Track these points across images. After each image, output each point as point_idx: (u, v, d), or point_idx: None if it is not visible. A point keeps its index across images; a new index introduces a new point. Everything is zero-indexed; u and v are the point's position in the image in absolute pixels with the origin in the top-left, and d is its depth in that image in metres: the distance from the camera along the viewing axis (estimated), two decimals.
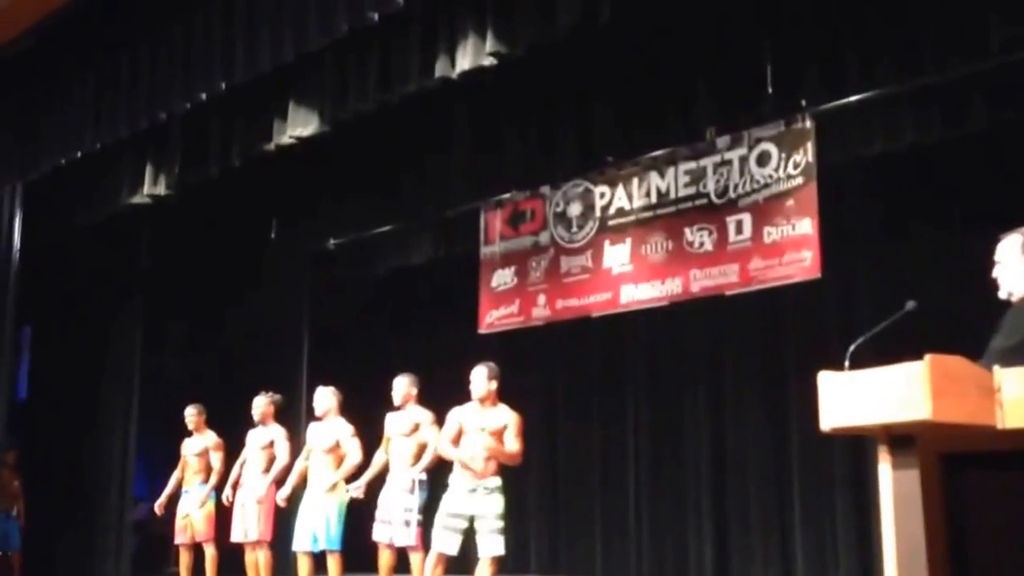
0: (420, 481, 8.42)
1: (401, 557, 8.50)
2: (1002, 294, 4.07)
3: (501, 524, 7.51)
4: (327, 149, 9.52)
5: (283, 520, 9.55)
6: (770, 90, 8.42)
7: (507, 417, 7.68)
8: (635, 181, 9.69)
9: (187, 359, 14.11)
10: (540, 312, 10.28)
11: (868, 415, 3.44)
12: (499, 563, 7.55)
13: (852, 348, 3.79)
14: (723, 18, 8.50)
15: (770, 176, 8.71)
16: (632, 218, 9.68)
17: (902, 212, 9.09)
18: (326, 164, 10.63)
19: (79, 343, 12.11)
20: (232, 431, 10.07)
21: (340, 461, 8.93)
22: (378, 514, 8.56)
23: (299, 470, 9.15)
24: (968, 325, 4.25)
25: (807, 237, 8.42)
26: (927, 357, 3.35)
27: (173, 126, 9.23)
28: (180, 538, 10.17)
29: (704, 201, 9.16)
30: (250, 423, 9.77)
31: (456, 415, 7.79)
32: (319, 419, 9.16)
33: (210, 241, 12.18)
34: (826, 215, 8.41)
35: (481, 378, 7.70)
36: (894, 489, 3.49)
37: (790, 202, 8.56)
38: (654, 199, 9.53)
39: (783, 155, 8.64)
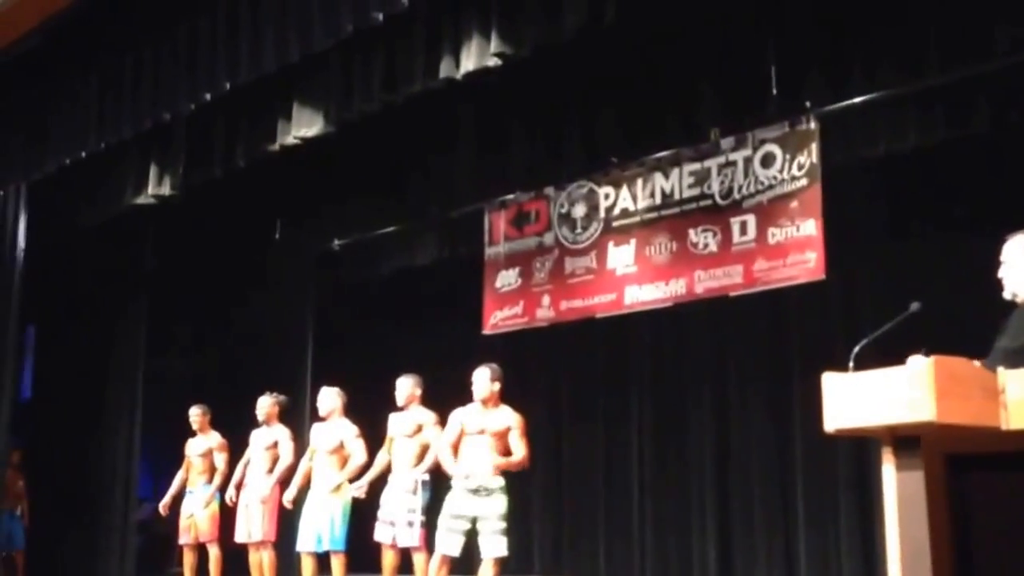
0: (423, 482, 8.44)
1: (405, 557, 8.51)
2: (1007, 295, 4.07)
3: (504, 525, 7.52)
4: (331, 150, 9.51)
5: (287, 520, 9.57)
6: (774, 91, 8.41)
7: (510, 419, 7.69)
8: (639, 182, 9.68)
9: (191, 359, 14.12)
10: (544, 313, 10.27)
11: (872, 416, 3.44)
12: (502, 564, 7.56)
13: (856, 349, 3.79)
14: (727, 19, 8.50)
15: (774, 177, 8.70)
16: (636, 219, 9.67)
17: (906, 213, 9.08)
18: (330, 165, 10.63)
19: (83, 343, 12.11)
20: (236, 431, 10.09)
21: (344, 462, 8.95)
22: (380, 514, 8.58)
23: (303, 471, 9.16)
24: (972, 326, 4.25)
25: (811, 238, 8.41)
26: (931, 358, 3.35)
27: (177, 126, 9.22)
28: (184, 538, 10.18)
29: (708, 202, 9.15)
30: (254, 423, 9.78)
31: (458, 417, 7.80)
32: (323, 420, 9.17)
33: (214, 242, 12.18)
34: (830, 216, 8.40)
35: (483, 379, 7.71)
36: (898, 490, 3.49)
37: (794, 203, 8.55)
38: (658, 200, 9.52)
39: (787, 156, 8.63)
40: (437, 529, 7.65)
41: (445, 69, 7.49)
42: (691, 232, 9.22)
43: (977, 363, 3.75)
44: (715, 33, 8.62)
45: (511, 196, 10.62)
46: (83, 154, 9.40)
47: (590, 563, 10.98)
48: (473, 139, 10.20)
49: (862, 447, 8.69)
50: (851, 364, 3.68)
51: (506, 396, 7.84)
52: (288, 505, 9.16)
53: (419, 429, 8.53)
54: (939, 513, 3.44)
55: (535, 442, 8.17)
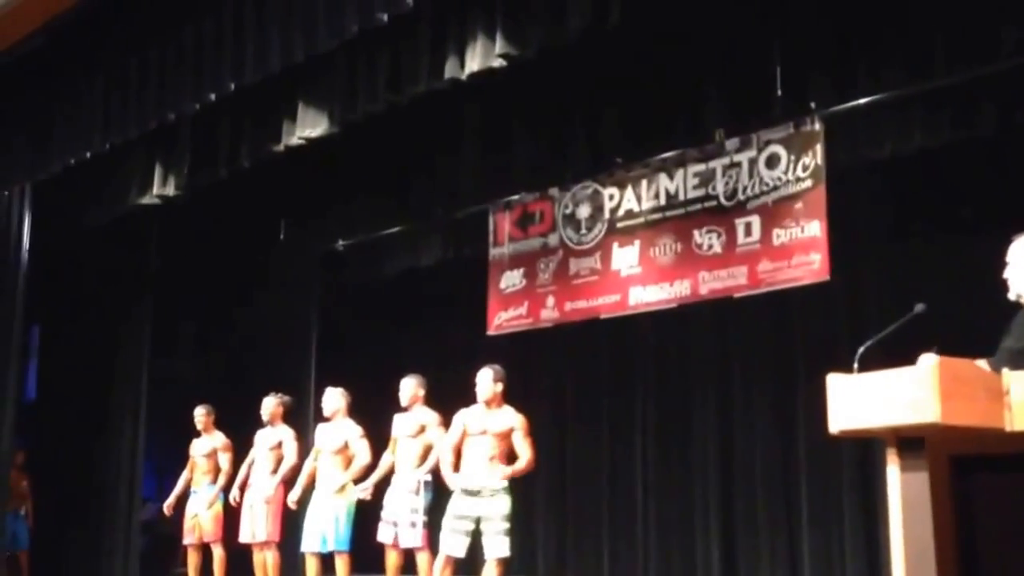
0: (425, 482, 8.45)
1: (408, 558, 8.51)
2: (1012, 295, 4.07)
3: (507, 526, 7.52)
4: (336, 150, 9.52)
5: (291, 521, 9.57)
6: (779, 92, 8.41)
7: (512, 419, 7.71)
8: (644, 183, 9.68)
9: (196, 360, 14.12)
10: (549, 314, 10.27)
11: (876, 417, 3.44)
12: (506, 565, 7.56)
13: (861, 351, 3.78)
14: (732, 20, 8.49)
15: (779, 178, 8.70)
16: (641, 220, 9.67)
17: (911, 215, 9.06)
18: (335, 165, 10.64)
19: (88, 344, 12.11)
20: (241, 432, 10.09)
21: (349, 462, 8.95)
22: (383, 515, 8.59)
23: (308, 471, 9.16)
24: (977, 328, 4.24)
25: (816, 239, 8.40)
26: (936, 359, 3.35)
27: (182, 127, 9.24)
28: (188, 538, 10.19)
29: (713, 203, 9.15)
30: (258, 424, 9.79)
31: (461, 418, 7.82)
32: (327, 420, 9.18)
33: (219, 242, 12.20)
34: (835, 218, 8.39)
35: (487, 380, 7.72)
36: (903, 492, 3.49)
37: (799, 204, 8.55)
38: (663, 201, 9.51)
39: (792, 157, 8.63)
40: (441, 530, 7.66)
41: (450, 70, 7.49)
42: (695, 233, 9.22)
43: (983, 361, 3.75)
44: (720, 34, 8.62)
45: (515, 197, 10.61)
46: (88, 154, 9.41)
47: (594, 564, 10.97)
48: (478, 140, 10.20)
49: (866, 448, 8.67)
50: (855, 365, 3.68)
51: (510, 397, 7.84)
52: (292, 506, 9.16)
53: (422, 430, 8.53)
54: (943, 514, 3.44)
55: (539, 443, 8.17)
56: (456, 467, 7.76)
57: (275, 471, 9.54)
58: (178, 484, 10.40)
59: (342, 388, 9.26)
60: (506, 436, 7.67)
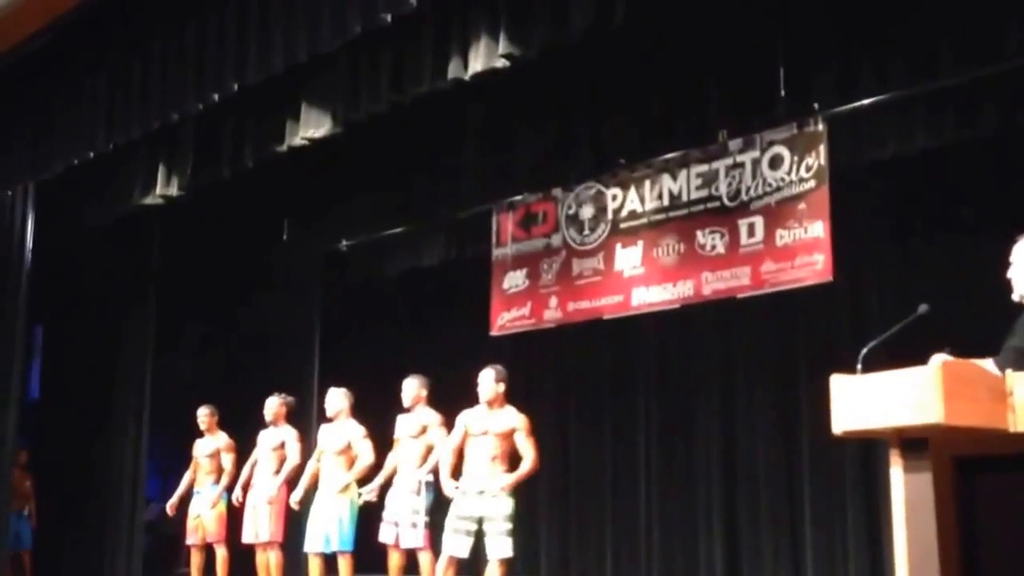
0: (426, 483, 8.44)
1: (411, 558, 8.52)
2: (1016, 296, 4.06)
3: (510, 526, 7.53)
4: (339, 150, 9.52)
5: (294, 521, 9.57)
6: (783, 93, 8.41)
7: (514, 420, 7.72)
8: (647, 183, 9.67)
9: (199, 360, 14.12)
10: (552, 314, 10.26)
11: (880, 418, 3.44)
12: (508, 565, 7.57)
13: (864, 351, 3.78)
14: (736, 20, 8.49)
15: (782, 179, 8.69)
16: (644, 220, 9.66)
17: (914, 215, 9.05)
18: (338, 165, 10.64)
19: (91, 343, 12.13)
20: (244, 432, 10.10)
21: (352, 463, 8.96)
22: (384, 515, 8.60)
23: (311, 472, 9.16)
24: (981, 328, 4.23)
25: (819, 240, 8.40)
26: (932, 359, 3.35)
27: (186, 126, 9.24)
28: (191, 539, 10.20)
29: (716, 204, 9.14)
30: (261, 424, 9.80)
31: (463, 419, 7.84)
32: (330, 420, 9.18)
33: (222, 242, 12.21)
34: (838, 218, 8.39)
35: (488, 381, 7.73)
36: (906, 492, 3.48)
37: (802, 205, 8.54)
38: (666, 201, 9.51)
39: (795, 158, 8.62)
40: (444, 530, 7.66)
41: (453, 70, 7.49)
42: (699, 234, 9.21)
43: (990, 360, 3.75)
44: (723, 34, 8.61)
45: (519, 197, 10.61)
46: (91, 154, 9.42)
47: (597, 564, 10.96)
48: (481, 140, 10.21)
49: (869, 449, 8.66)
50: (859, 366, 3.67)
51: (513, 397, 7.84)
52: (295, 506, 9.17)
53: (424, 430, 8.54)
54: (947, 515, 3.43)
55: (542, 443, 8.17)
56: (458, 469, 7.77)
57: (278, 471, 9.55)
58: (181, 484, 10.42)
59: (345, 388, 9.27)
60: (508, 436, 7.69)
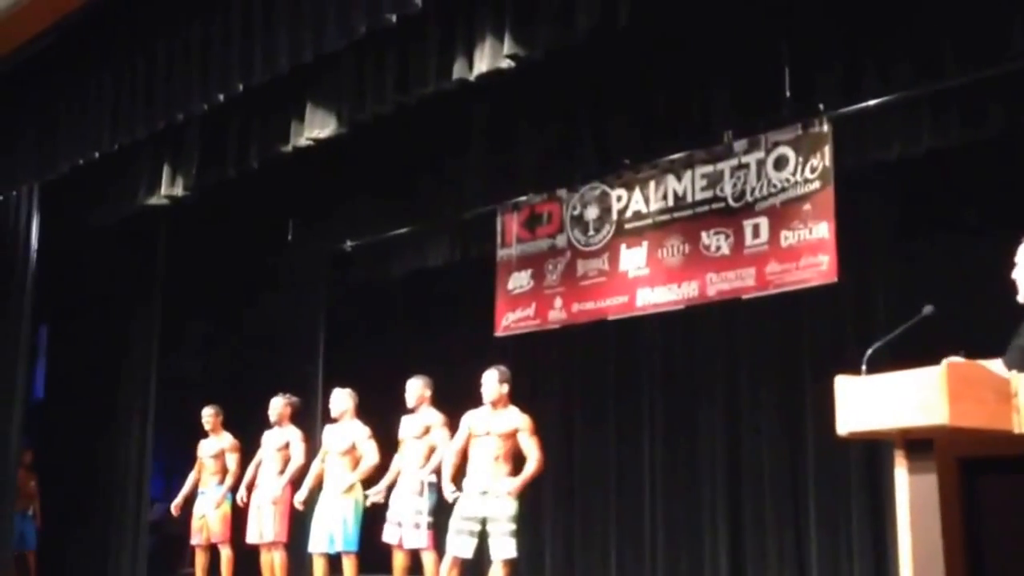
0: (430, 483, 8.44)
1: (415, 558, 8.52)
2: (1021, 297, 4.05)
3: (514, 527, 7.53)
4: (344, 150, 9.52)
5: (299, 521, 9.58)
6: (788, 94, 8.40)
7: (517, 420, 7.72)
8: (652, 184, 9.68)
9: (203, 360, 14.14)
10: (556, 315, 10.26)
11: (885, 419, 3.44)
12: (512, 566, 7.56)
13: (869, 352, 3.78)
14: (741, 21, 8.48)
15: (787, 180, 8.69)
16: (649, 221, 9.66)
17: (919, 216, 9.04)
18: (343, 166, 10.65)
19: (96, 343, 12.13)
20: (248, 432, 10.11)
21: (356, 463, 8.96)
22: (388, 515, 8.61)
23: (315, 472, 9.17)
24: (986, 330, 4.23)
25: (824, 241, 8.39)
26: (945, 362, 3.35)
27: (191, 127, 9.24)
28: (196, 539, 10.21)
29: (721, 205, 9.14)
30: (266, 424, 9.80)
31: (467, 420, 7.85)
32: (335, 421, 9.19)
33: (227, 242, 12.21)
34: (843, 219, 8.38)
35: (492, 381, 7.74)
36: (911, 493, 3.48)
37: (807, 206, 8.54)
38: (671, 202, 9.51)
39: (800, 159, 8.62)
40: (448, 531, 7.66)
41: (458, 70, 7.49)
42: (703, 234, 9.21)
43: (998, 361, 3.74)
44: (728, 35, 8.61)
45: (523, 198, 10.61)
46: (96, 154, 9.41)
47: (601, 565, 10.96)
48: (485, 140, 10.21)
49: (874, 450, 8.66)
50: (864, 367, 3.67)
51: (517, 398, 7.85)
52: (299, 506, 9.18)
53: (427, 431, 8.55)
54: (951, 516, 3.43)
55: (546, 444, 8.17)
56: (462, 470, 7.77)
57: (282, 472, 9.55)
58: (186, 484, 10.42)
59: (350, 389, 9.27)
60: (511, 436, 7.69)
